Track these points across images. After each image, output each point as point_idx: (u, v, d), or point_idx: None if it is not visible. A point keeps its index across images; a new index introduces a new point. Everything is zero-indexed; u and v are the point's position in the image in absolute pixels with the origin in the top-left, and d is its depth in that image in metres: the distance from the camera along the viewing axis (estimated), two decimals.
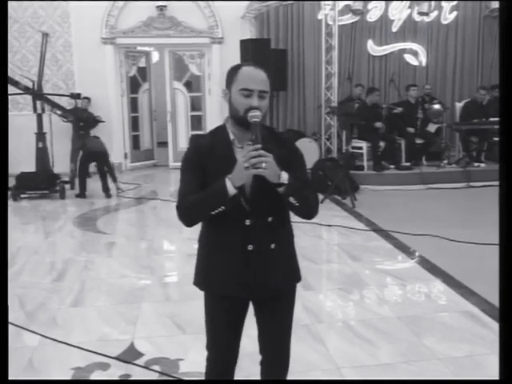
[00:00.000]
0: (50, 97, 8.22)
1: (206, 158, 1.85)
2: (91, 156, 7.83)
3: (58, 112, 8.42)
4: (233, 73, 1.85)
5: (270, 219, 1.89)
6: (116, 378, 2.80)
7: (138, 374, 2.85)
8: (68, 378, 2.82)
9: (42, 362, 2.99)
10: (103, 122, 9.55)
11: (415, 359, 2.97)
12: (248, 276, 1.89)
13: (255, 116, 1.76)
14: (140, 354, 3.05)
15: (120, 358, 2.99)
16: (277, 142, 1.87)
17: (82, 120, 8.98)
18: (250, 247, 1.87)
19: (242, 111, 1.80)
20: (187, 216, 1.86)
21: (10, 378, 2.76)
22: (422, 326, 3.40)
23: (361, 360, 2.97)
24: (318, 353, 3.05)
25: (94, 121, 9.41)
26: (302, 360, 2.96)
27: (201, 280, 2.01)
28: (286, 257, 1.99)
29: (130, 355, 3.04)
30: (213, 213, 1.83)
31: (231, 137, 1.87)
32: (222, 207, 1.81)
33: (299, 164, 1.95)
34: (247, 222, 1.86)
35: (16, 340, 3.26)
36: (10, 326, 3.40)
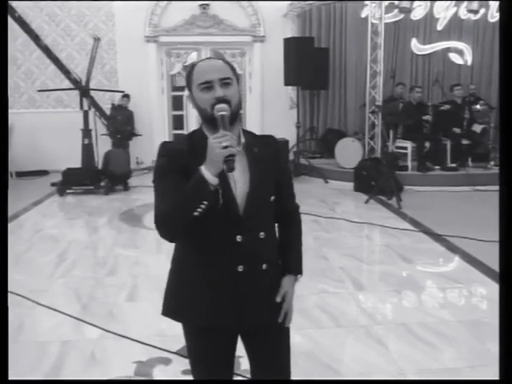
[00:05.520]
0: (95, 98, 8.32)
1: (185, 162, 1.59)
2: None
3: (103, 120, 8.50)
4: (189, 74, 1.65)
5: (261, 234, 1.66)
6: (178, 372, 2.81)
7: None
8: (130, 371, 2.84)
9: (104, 356, 3.03)
10: (140, 135, 9.56)
11: (480, 364, 2.90)
12: (236, 303, 1.65)
13: (221, 109, 1.54)
14: None
15: (180, 353, 3.00)
16: (261, 144, 1.72)
17: (120, 133, 9.08)
18: (241, 268, 1.62)
19: (209, 108, 1.57)
20: (168, 223, 1.60)
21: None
22: (484, 330, 3.31)
23: (425, 364, 2.91)
24: (380, 355, 3.00)
25: (131, 134, 9.49)
26: (362, 361, 2.92)
27: (175, 309, 1.74)
28: (277, 280, 1.74)
29: None
30: (196, 213, 1.52)
31: (209, 135, 1.59)
32: (205, 202, 1.51)
33: (286, 174, 1.83)
34: (238, 239, 1.61)
35: (76, 333, 3.31)
36: (69, 319, 3.48)
